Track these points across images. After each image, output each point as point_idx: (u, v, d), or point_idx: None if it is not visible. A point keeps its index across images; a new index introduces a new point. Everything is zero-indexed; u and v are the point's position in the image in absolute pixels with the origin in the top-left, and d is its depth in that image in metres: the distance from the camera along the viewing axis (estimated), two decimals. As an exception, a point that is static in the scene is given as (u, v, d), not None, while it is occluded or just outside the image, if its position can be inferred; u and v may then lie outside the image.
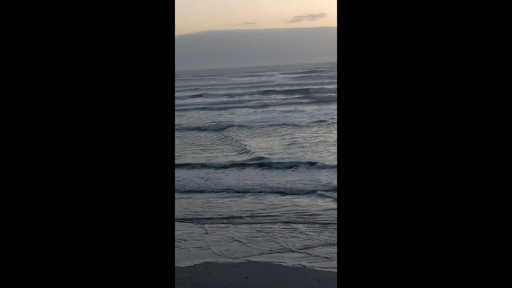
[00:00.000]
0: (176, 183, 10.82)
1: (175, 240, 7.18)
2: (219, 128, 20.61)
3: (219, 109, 30.16)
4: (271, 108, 28.52)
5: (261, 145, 16.04)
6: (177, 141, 17.48)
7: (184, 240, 7.16)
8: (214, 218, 8.14)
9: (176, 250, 6.76)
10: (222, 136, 18.41)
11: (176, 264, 6.18)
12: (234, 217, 8.16)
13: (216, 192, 10.06)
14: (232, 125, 20.94)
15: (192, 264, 6.16)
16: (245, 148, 15.18)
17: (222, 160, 13.59)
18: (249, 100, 34.98)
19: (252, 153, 14.28)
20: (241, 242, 6.91)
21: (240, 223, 7.83)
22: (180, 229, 7.57)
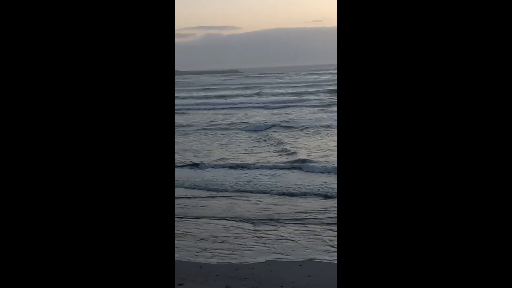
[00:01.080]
0: (225, 183, 11.06)
1: (237, 237, 7.30)
2: (261, 128, 20.46)
3: (278, 108, 30.00)
4: (334, 108, 28.20)
5: (308, 145, 15.89)
6: (209, 141, 17.76)
7: (246, 238, 7.26)
8: (271, 219, 8.18)
9: (238, 248, 6.87)
10: (262, 136, 18.37)
11: (238, 261, 6.28)
12: (290, 218, 8.20)
13: (264, 193, 10.07)
14: (273, 125, 20.78)
15: (255, 262, 6.23)
16: (286, 149, 15.07)
17: (263, 161, 13.60)
18: (311, 99, 34.71)
19: (293, 153, 14.15)
20: (297, 242, 6.93)
21: (297, 224, 7.86)
22: (243, 227, 7.69)
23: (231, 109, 31.38)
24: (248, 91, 45.57)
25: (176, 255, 6.66)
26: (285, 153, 14.56)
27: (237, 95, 41.68)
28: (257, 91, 44.37)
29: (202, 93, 48.00)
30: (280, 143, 16.40)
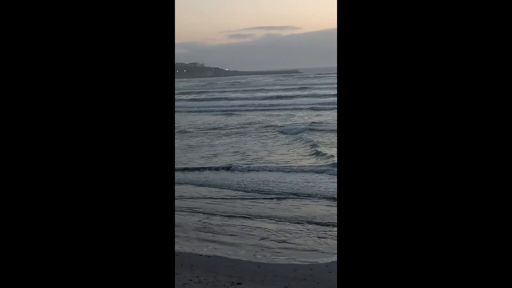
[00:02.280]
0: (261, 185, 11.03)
1: (298, 238, 7.28)
2: (296, 131, 20.10)
3: (326, 110, 29.59)
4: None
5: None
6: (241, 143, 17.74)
7: (306, 238, 7.23)
8: (333, 222, 8.10)
9: (298, 248, 6.85)
10: (297, 139, 18.18)
11: (296, 262, 6.27)
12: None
13: (310, 196, 9.98)
14: (306, 129, 20.41)
15: (314, 263, 6.20)
16: (319, 152, 14.88)
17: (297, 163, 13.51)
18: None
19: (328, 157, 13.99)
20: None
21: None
22: (304, 228, 7.69)
23: (276, 110, 31.24)
24: (299, 92, 45.19)
25: (235, 254, 6.72)
26: (320, 156, 14.42)
27: (288, 96, 41.24)
28: (309, 92, 43.97)
29: (256, 94, 48.05)
30: (313, 145, 16.21)
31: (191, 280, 5.48)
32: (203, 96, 49.31)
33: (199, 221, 8.50)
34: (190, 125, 25.40)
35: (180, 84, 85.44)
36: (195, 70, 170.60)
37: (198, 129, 23.21)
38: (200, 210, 9.21)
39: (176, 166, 13.79)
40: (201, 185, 11.41)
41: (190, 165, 13.97)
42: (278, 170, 12.73)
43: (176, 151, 16.69)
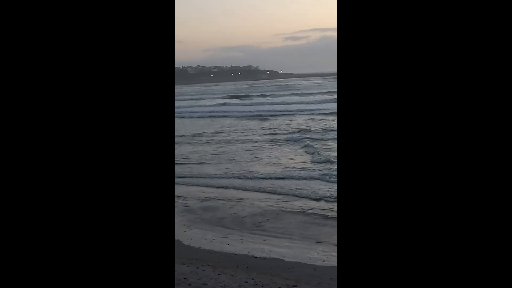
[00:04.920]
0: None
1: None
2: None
3: None
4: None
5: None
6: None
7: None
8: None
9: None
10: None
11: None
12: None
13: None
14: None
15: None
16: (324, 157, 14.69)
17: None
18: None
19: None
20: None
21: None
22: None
23: (306, 114, 30.68)
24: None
25: (290, 256, 6.72)
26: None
27: (326, 100, 40.26)
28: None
29: (301, 97, 47.54)
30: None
31: (247, 282, 5.52)
32: (253, 100, 49.23)
33: (253, 224, 8.55)
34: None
35: (226, 87, 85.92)
36: (250, 73, 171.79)
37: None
38: (257, 212, 9.25)
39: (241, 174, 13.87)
40: (263, 191, 11.31)
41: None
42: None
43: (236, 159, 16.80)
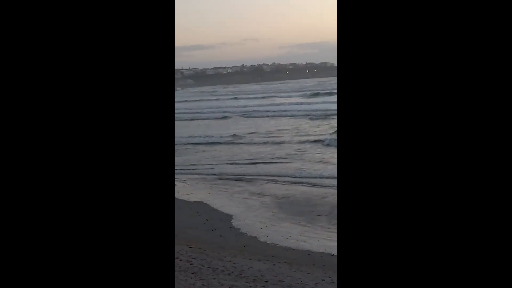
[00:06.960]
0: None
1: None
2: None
3: None
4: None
5: None
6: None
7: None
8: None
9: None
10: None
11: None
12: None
13: None
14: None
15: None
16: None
17: None
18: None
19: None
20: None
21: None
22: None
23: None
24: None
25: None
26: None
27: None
28: None
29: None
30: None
31: (323, 280, 5.53)
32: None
33: (330, 222, 8.52)
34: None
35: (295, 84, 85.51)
36: (325, 69, 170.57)
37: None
38: (334, 210, 9.22)
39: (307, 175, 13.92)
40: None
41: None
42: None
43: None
